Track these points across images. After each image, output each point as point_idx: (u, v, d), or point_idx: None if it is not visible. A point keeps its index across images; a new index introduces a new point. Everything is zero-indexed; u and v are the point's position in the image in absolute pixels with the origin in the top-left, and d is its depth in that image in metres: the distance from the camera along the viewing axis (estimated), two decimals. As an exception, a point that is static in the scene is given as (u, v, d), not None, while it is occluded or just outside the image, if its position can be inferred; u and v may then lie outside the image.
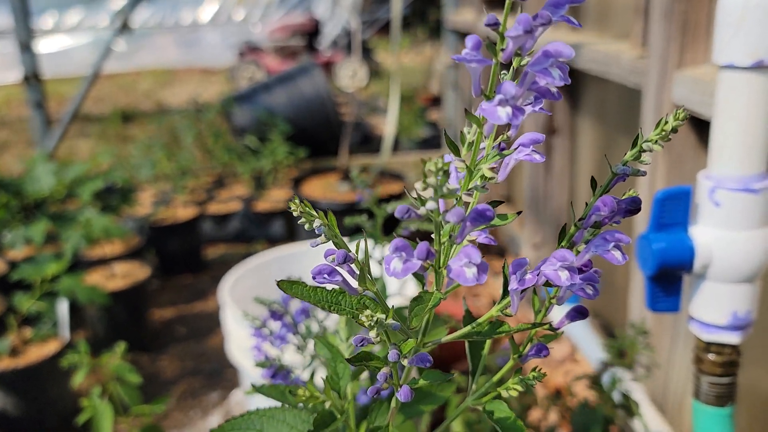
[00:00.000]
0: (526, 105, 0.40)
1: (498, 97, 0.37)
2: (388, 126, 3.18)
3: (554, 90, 0.38)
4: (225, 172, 3.79)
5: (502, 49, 0.38)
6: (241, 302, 1.64)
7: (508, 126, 0.39)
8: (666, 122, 0.41)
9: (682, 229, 0.78)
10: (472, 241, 0.41)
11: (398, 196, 2.97)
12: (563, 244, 0.43)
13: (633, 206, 0.42)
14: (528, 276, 0.41)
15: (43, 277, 2.00)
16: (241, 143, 3.78)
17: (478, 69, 0.38)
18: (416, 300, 0.42)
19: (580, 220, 0.42)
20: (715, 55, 0.75)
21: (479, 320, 0.45)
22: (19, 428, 1.91)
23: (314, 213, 0.41)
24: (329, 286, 0.43)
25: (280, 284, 0.42)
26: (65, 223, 2.38)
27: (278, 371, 0.76)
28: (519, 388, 0.47)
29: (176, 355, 2.37)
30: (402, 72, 3.60)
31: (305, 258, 1.91)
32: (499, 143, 0.43)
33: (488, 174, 0.40)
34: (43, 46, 7.59)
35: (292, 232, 3.26)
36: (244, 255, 3.14)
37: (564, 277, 0.40)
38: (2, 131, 5.69)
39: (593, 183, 0.43)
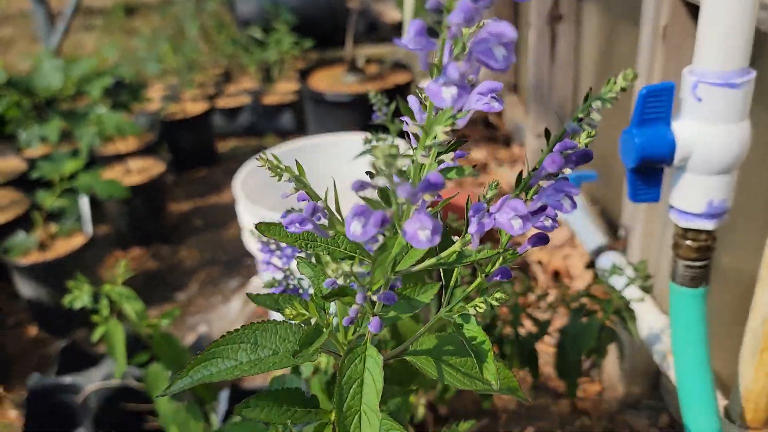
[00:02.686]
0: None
1: (442, 78, 0.38)
2: (405, 12, 3.10)
3: (500, 64, 0.38)
4: (231, 64, 3.77)
5: (447, 27, 0.38)
6: (254, 194, 1.71)
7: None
8: (615, 83, 0.43)
9: (665, 123, 0.82)
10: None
11: (405, 86, 2.98)
12: (516, 193, 0.47)
13: (584, 159, 0.45)
14: (485, 220, 0.45)
15: (62, 175, 2.08)
16: (246, 35, 3.73)
17: (423, 51, 0.39)
18: (380, 249, 0.44)
19: (533, 170, 0.46)
20: (703, -50, 0.77)
21: (444, 253, 0.49)
22: (52, 316, 2.06)
23: (282, 167, 0.44)
24: None
25: (258, 227, 0.46)
26: (78, 121, 2.43)
27: (287, 288, 0.81)
28: (483, 306, 0.52)
29: (195, 245, 2.49)
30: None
31: (314, 152, 1.97)
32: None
33: (442, 137, 0.41)
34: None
35: (301, 124, 3.30)
36: (255, 148, 3.20)
37: (516, 225, 0.44)
38: (5, 27, 5.61)
39: (547, 134, 0.46)
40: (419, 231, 0.39)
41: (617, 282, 1.21)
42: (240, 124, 3.34)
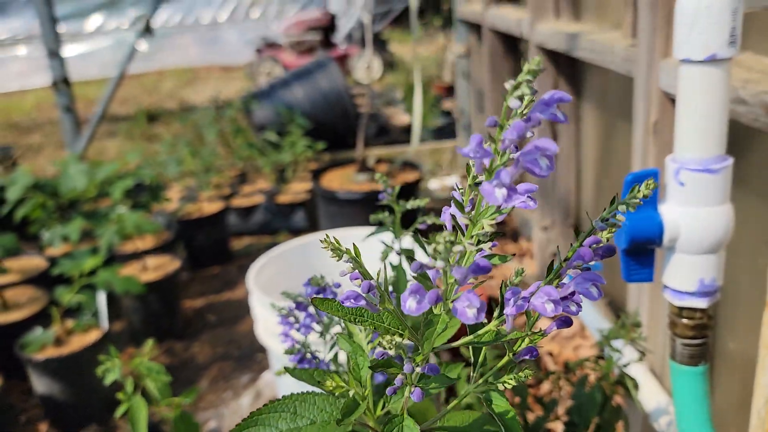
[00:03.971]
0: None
1: (495, 180, 0.44)
2: (414, 116, 3.27)
3: (544, 172, 0.45)
4: (247, 167, 3.92)
5: (501, 140, 0.45)
6: (267, 288, 1.76)
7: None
8: (639, 190, 0.49)
9: (652, 207, 0.88)
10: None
11: (414, 184, 3.08)
12: (549, 278, 0.52)
13: (608, 253, 0.51)
14: (520, 302, 0.50)
15: (82, 272, 2.14)
16: (261, 139, 3.90)
17: (480, 159, 0.46)
18: (427, 324, 0.51)
19: (564, 260, 0.52)
20: (675, 51, 0.84)
21: (481, 331, 0.54)
22: (65, 412, 2.06)
23: (342, 249, 0.50)
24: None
25: (314, 301, 0.52)
26: (99, 221, 2.52)
27: (305, 356, 0.86)
28: (513, 382, 0.55)
29: (208, 341, 2.51)
30: (417, 61, 3.71)
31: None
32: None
33: (489, 228, 0.48)
34: (68, 50, 7.78)
35: (313, 222, 3.38)
36: (268, 246, 3.27)
37: (549, 308, 0.49)
38: (35, 135, 5.89)
39: (576, 231, 0.52)
40: (467, 308, 0.46)
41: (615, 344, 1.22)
42: (254, 223, 3.43)
